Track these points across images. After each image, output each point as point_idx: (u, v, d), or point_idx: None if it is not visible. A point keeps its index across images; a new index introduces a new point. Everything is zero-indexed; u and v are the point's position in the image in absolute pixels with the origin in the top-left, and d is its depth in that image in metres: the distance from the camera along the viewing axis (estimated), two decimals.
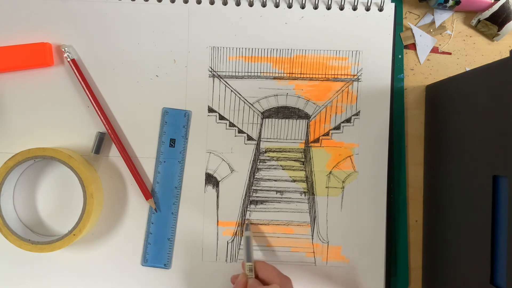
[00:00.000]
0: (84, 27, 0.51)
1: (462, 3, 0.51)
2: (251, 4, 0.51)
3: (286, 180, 0.52)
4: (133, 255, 0.52)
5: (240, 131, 0.52)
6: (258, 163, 0.52)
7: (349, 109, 0.52)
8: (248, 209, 0.52)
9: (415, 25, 0.53)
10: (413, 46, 0.53)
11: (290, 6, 0.51)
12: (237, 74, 0.52)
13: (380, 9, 0.51)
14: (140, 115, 0.51)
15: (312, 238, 0.52)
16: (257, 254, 0.52)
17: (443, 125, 0.48)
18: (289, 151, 0.52)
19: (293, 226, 0.52)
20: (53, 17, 0.51)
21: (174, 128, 0.52)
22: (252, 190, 0.52)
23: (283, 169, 0.52)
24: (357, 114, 0.52)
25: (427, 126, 0.53)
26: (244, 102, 0.52)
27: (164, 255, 0.51)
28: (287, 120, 0.52)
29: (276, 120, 0.52)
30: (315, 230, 0.52)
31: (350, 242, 0.52)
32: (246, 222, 0.52)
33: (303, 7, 0.51)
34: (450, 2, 0.51)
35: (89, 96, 0.50)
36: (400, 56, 0.53)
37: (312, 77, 0.52)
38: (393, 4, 0.51)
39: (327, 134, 0.52)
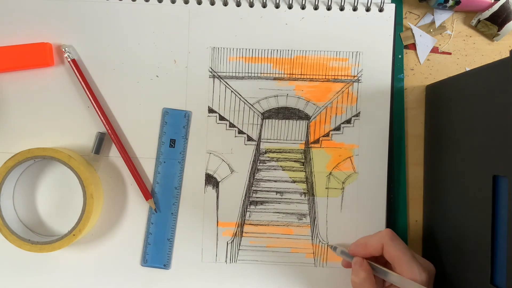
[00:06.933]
0: (85, 27, 0.51)
1: (462, 3, 0.51)
2: (251, 5, 0.51)
3: (286, 181, 0.52)
4: (132, 255, 0.52)
5: (240, 132, 0.52)
6: (258, 164, 0.52)
7: (349, 110, 0.52)
8: (248, 209, 0.52)
9: (415, 25, 0.53)
10: (413, 46, 0.53)
11: (290, 7, 0.51)
12: (237, 74, 0.52)
13: (380, 10, 0.51)
14: (140, 115, 0.51)
15: (312, 239, 0.52)
16: (257, 255, 0.52)
17: (443, 125, 0.48)
18: (289, 152, 0.52)
19: (292, 227, 0.52)
20: (53, 17, 0.51)
21: (174, 128, 0.52)
22: (252, 190, 0.52)
23: (283, 170, 0.52)
24: (357, 115, 0.52)
25: (427, 126, 0.52)
26: (244, 102, 0.52)
27: (163, 256, 0.51)
28: (287, 121, 0.52)
29: (276, 121, 0.52)
30: (315, 231, 0.52)
31: (350, 242, 0.52)
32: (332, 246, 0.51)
33: (303, 7, 0.51)
34: (450, 2, 0.51)
35: (89, 96, 0.50)
36: (400, 56, 0.53)
37: (313, 78, 0.52)
38: (393, 4, 0.51)
39: (327, 135, 0.52)
